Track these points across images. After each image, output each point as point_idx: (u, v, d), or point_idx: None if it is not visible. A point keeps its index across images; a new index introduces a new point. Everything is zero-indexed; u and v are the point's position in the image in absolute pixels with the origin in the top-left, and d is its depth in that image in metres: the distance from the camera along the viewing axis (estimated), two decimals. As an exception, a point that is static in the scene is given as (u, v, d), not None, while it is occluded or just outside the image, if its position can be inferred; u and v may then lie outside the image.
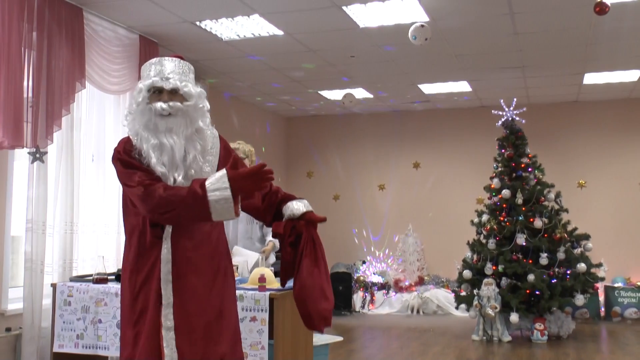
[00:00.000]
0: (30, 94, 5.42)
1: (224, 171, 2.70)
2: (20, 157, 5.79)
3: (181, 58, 2.98)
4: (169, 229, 2.79)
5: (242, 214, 5.46)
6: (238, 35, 6.97)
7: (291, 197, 3.12)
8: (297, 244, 3.02)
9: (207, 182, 2.69)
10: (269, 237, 5.52)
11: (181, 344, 2.73)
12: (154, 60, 2.93)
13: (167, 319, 2.73)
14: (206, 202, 2.66)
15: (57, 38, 5.65)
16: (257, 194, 3.03)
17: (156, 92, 2.83)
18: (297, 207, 3.05)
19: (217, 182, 2.68)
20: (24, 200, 5.64)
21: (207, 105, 2.99)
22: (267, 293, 4.29)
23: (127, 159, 2.80)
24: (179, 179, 2.78)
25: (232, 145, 5.32)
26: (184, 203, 2.68)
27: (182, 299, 2.77)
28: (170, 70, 2.88)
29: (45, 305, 5.56)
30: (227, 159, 2.94)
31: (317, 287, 2.92)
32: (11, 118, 5.13)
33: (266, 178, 2.72)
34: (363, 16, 6.37)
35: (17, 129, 5.19)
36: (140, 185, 2.73)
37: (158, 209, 2.70)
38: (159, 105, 2.79)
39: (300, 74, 8.65)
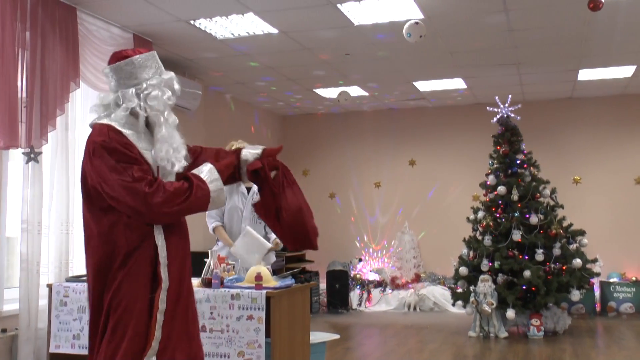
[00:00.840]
0: (24, 94, 5.40)
1: (210, 165, 2.97)
2: (15, 157, 5.77)
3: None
4: None
5: (248, 212, 5.48)
6: (232, 34, 6.96)
7: (226, 151, 3.31)
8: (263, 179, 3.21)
9: (201, 176, 2.90)
10: (274, 236, 5.52)
11: (166, 325, 2.83)
12: (152, 53, 3.08)
13: (162, 301, 2.82)
14: (208, 194, 2.89)
15: (50, 37, 5.63)
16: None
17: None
18: (252, 151, 3.24)
19: (210, 174, 2.93)
20: (19, 201, 5.62)
21: None
22: (264, 291, 4.29)
23: (120, 148, 2.79)
24: (181, 165, 2.96)
25: (235, 144, 5.31)
26: (191, 195, 2.82)
27: (173, 282, 2.88)
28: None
29: (41, 305, 5.55)
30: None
31: (307, 208, 3.21)
32: (6, 118, 5.11)
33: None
34: (358, 14, 6.37)
35: (12, 129, 5.17)
36: (144, 180, 2.75)
37: (166, 204, 2.76)
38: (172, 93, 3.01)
39: (296, 72, 8.64)
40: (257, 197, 5.33)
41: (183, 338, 2.90)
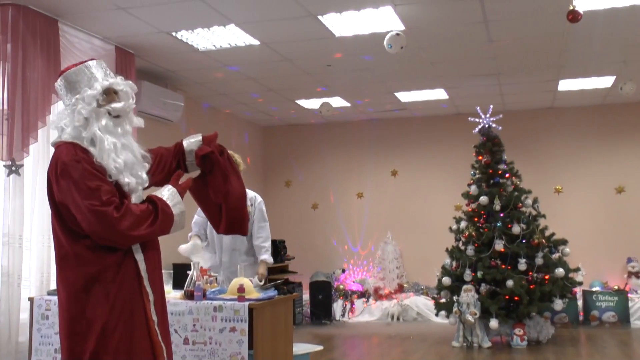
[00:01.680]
0: (5, 107, 5.37)
1: (172, 187, 2.94)
2: (-5, 170, 5.72)
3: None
4: None
5: None
6: (214, 46, 6.97)
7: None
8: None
9: (164, 199, 2.86)
10: (262, 257, 5.49)
11: (165, 337, 2.92)
12: (92, 63, 2.95)
13: (154, 314, 2.87)
14: (172, 217, 2.85)
15: (32, 49, 5.61)
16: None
17: (106, 94, 2.90)
18: (192, 140, 3.35)
19: (173, 198, 2.89)
20: (0, 214, 5.58)
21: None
22: (247, 303, 4.28)
23: (89, 168, 2.76)
24: (144, 176, 2.91)
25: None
26: (156, 219, 2.79)
27: (156, 295, 2.92)
28: (109, 71, 2.99)
29: (22, 319, 5.49)
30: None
31: (246, 196, 3.38)
32: (-15, 131, 5.08)
33: None
34: (339, 25, 6.40)
35: (-8, 141, 5.14)
36: (112, 204, 2.72)
37: (133, 227, 2.74)
38: (119, 105, 2.88)
39: (277, 83, 8.66)
40: None
41: (169, 348, 2.96)
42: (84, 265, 2.76)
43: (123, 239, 2.75)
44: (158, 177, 3.21)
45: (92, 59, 3.02)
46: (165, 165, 3.25)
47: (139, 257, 2.86)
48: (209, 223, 5.49)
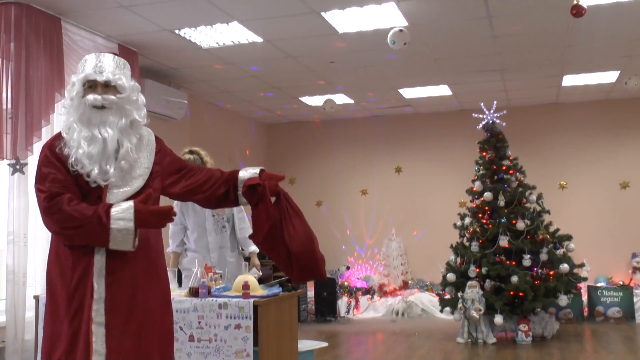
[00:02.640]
0: (9, 105, 5.38)
1: (131, 203, 2.75)
2: (0, 169, 5.73)
3: (114, 54, 3.06)
4: None
5: (211, 225, 5.38)
6: (217, 43, 6.97)
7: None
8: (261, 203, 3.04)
9: (112, 210, 2.71)
10: (251, 248, 5.49)
11: (111, 340, 2.73)
12: (89, 55, 2.98)
13: (99, 313, 2.73)
14: (108, 229, 2.69)
15: (35, 48, 5.62)
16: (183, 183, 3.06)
17: (91, 86, 2.88)
18: (250, 170, 3.10)
19: (123, 212, 2.71)
20: (4, 213, 5.58)
21: (142, 98, 3.05)
22: (251, 300, 4.29)
23: (49, 155, 2.84)
24: (111, 170, 2.81)
25: (187, 154, 5.25)
26: (86, 223, 2.70)
27: (115, 294, 2.77)
28: (104, 64, 2.94)
29: (28, 317, 5.51)
30: (162, 160, 3.03)
31: (315, 238, 3.11)
32: (-10, 129, 5.09)
33: (170, 219, 2.82)
34: (342, 22, 6.40)
35: (-4, 140, 5.15)
36: (47, 192, 2.76)
37: (59, 223, 2.73)
38: (92, 97, 2.84)
39: (281, 80, 8.66)
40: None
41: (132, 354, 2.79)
42: (57, 257, 2.84)
43: (52, 231, 2.81)
44: (197, 196, 3.07)
45: (103, 53, 3.04)
46: (213, 187, 3.06)
47: (100, 252, 2.77)
48: (186, 228, 5.47)
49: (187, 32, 6.60)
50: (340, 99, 9.72)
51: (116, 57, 3.02)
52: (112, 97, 2.87)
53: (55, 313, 2.80)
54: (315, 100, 9.87)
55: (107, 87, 2.89)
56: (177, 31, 6.56)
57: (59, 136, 2.90)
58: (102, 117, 2.85)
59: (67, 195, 2.75)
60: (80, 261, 2.77)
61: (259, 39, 6.86)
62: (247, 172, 3.09)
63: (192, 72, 8.12)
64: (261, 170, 3.09)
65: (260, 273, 5.31)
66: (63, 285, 2.79)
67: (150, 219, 2.76)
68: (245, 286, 4.37)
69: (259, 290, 4.50)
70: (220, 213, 5.33)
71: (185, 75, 8.23)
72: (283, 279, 5.03)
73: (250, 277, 4.56)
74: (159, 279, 2.94)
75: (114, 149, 2.83)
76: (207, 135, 9.68)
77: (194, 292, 4.51)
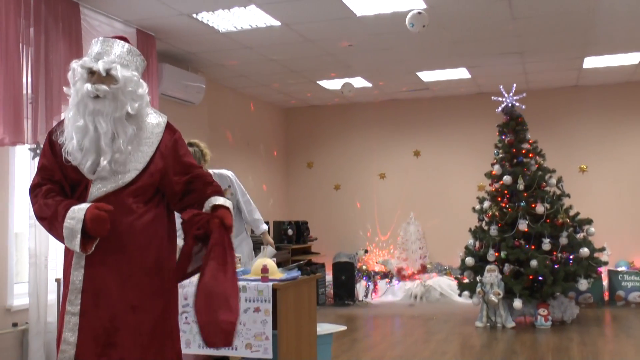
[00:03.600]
0: (29, 91, 5.42)
1: (88, 205, 2.69)
2: (21, 153, 5.79)
3: (125, 40, 2.95)
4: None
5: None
6: (235, 27, 6.95)
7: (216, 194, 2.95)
8: (205, 240, 2.79)
9: (72, 207, 2.70)
10: (263, 227, 5.51)
11: (83, 330, 2.70)
12: (96, 40, 2.91)
13: (73, 304, 2.72)
14: (62, 226, 2.69)
15: (54, 33, 5.64)
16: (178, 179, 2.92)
17: (91, 73, 2.81)
18: (216, 200, 2.89)
19: (78, 212, 2.67)
20: (25, 197, 5.62)
21: (142, 89, 2.90)
22: (270, 284, 4.30)
23: (46, 143, 2.89)
24: (104, 163, 2.75)
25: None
26: (50, 217, 2.74)
27: (94, 286, 2.73)
28: (105, 51, 2.85)
29: (50, 300, 5.59)
30: (172, 154, 2.92)
31: (220, 294, 2.67)
32: (11, 115, 5.13)
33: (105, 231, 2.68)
34: (360, 5, 6.35)
35: (17, 125, 5.19)
36: (33, 183, 2.84)
37: (36, 214, 2.81)
38: (86, 86, 2.78)
39: (299, 64, 8.63)
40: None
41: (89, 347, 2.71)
42: None
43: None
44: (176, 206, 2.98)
45: (113, 37, 2.96)
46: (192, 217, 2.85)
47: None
48: None
49: (204, 16, 6.59)
50: (358, 82, 9.68)
51: (125, 44, 2.91)
52: (105, 87, 2.77)
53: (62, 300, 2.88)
54: (333, 84, 9.84)
55: (108, 75, 2.79)
56: (194, 15, 6.55)
57: (62, 122, 2.89)
58: (95, 106, 2.76)
59: (46, 187, 2.78)
60: (69, 251, 2.81)
61: (277, 23, 6.83)
62: (213, 200, 2.89)
63: (210, 56, 8.12)
64: (221, 206, 2.87)
65: (275, 251, 5.34)
66: (63, 274, 2.87)
67: (95, 225, 2.65)
68: (264, 269, 4.38)
69: (278, 274, 4.52)
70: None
71: (203, 59, 8.23)
72: (302, 262, 5.05)
73: (269, 261, 4.57)
74: (153, 275, 2.83)
75: (108, 140, 2.76)
76: (225, 119, 9.69)
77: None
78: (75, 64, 2.84)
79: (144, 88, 2.91)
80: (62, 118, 2.93)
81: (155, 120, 2.94)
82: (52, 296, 5.50)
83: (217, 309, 2.66)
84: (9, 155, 5.68)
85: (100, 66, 2.79)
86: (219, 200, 2.90)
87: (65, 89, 2.91)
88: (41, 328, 5.57)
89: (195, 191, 2.93)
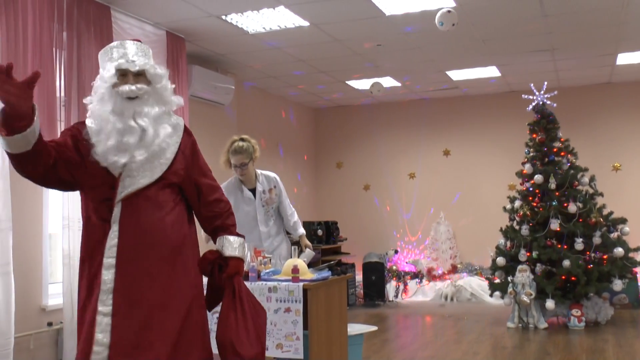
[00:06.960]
0: (62, 94, 5.49)
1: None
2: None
3: (139, 41, 3.01)
4: (117, 212, 2.78)
5: (262, 215, 5.34)
6: (264, 28, 6.98)
7: (230, 227, 3.10)
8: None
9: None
10: (300, 231, 5.50)
11: (116, 330, 2.68)
12: (114, 43, 2.95)
13: (105, 304, 2.71)
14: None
15: (86, 37, 5.71)
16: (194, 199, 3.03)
17: (121, 76, 2.84)
18: (229, 247, 3.06)
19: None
20: (59, 199, 5.72)
21: (170, 86, 2.98)
22: (301, 284, 4.31)
23: (72, 128, 2.94)
24: (140, 158, 2.78)
25: (237, 140, 5.22)
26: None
27: (125, 285, 2.73)
28: (133, 52, 2.90)
29: (83, 300, 5.65)
30: (191, 154, 3.01)
31: (227, 342, 2.90)
32: (45, 118, 5.20)
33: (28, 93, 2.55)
34: (389, 4, 6.33)
35: (51, 128, 5.26)
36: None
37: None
38: (127, 87, 2.80)
39: (328, 64, 8.63)
40: (265, 196, 5.32)
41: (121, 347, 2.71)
42: (84, 225, 2.96)
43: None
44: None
45: (131, 40, 3.01)
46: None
47: (114, 229, 2.79)
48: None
49: (233, 18, 6.63)
50: (387, 82, 9.65)
51: (142, 44, 2.99)
52: (146, 86, 2.84)
53: (79, 303, 2.86)
54: (362, 84, 9.83)
55: (138, 75, 2.85)
56: (224, 17, 6.59)
57: (83, 123, 2.91)
58: (135, 107, 2.81)
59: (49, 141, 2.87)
60: (95, 252, 2.80)
61: (306, 23, 6.84)
62: (225, 245, 3.06)
63: (238, 57, 8.16)
64: (234, 257, 3.07)
65: (314, 253, 5.33)
66: (83, 275, 2.86)
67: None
68: (295, 270, 4.39)
69: (309, 274, 4.52)
70: (269, 202, 5.34)
71: (232, 60, 8.27)
72: (332, 262, 5.05)
73: (300, 261, 4.58)
74: (180, 272, 2.87)
75: (151, 137, 2.80)
76: (254, 120, 9.73)
77: (243, 276, 4.55)
78: (105, 69, 2.87)
79: (170, 85, 2.99)
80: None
81: (175, 120, 3.00)
82: (85, 296, 5.57)
83: (226, 356, 2.89)
84: (42, 157, 5.75)
85: (140, 67, 2.85)
86: (234, 251, 3.06)
87: (86, 99, 2.95)
88: (75, 327, 5.64)
89: (217, 217, 3.07)
